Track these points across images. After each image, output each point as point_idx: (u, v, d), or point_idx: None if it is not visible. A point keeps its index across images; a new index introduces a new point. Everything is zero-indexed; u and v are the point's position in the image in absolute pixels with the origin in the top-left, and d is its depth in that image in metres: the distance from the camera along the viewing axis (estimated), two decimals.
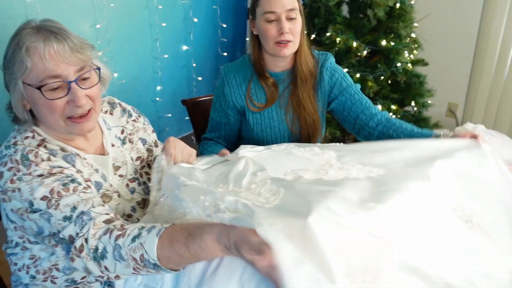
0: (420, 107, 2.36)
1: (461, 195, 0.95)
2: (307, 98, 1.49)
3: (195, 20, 2.37)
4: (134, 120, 1.18)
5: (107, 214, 0.88)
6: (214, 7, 2.44)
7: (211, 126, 1.59)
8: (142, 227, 0.81)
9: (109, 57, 1.96)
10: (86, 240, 0.82)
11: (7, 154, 0.92)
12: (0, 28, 1.55)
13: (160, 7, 2.11)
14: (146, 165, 1.17)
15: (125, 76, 2.07)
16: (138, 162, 1.15)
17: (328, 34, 2.21)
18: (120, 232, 0.81)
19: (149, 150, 1.19)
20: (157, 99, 2.32)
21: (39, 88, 0.89)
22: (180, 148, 1.07)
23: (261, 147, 1.19)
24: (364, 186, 0.87)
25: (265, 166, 1.00)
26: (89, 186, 0.95)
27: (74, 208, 0.86)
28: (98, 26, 1.88)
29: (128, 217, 1.07)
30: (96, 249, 0.81)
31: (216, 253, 0.73)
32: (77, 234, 0.83)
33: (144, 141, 1.19)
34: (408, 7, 2.24)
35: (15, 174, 0.89)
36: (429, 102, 2.37)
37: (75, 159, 0.99)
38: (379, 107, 2.10)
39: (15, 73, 0.90)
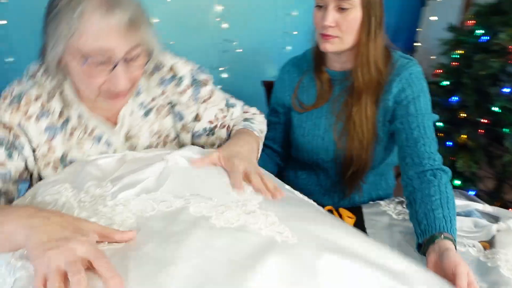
0: None
1: None
2: (362, 112, 1.18)
3: None
4: (180, 92, 1.03)
5: None
6: None
7: (268, 125, 1.39)
8: None
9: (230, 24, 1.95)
10: None
11: (14, 84, 0.91)
12: None
13: None
14: (162, 142, 1.06)
15: (244, 47, 2.03)
16: (155, 137, 1.05)
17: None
18: None
19: (176, 128, 1.07)
20: None
21: (82, 57, 0.80)
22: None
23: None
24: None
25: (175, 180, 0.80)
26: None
27: None
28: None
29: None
30: None
31: None
32: None
33: (179, 116, 1.06)
34: None
35: None
36: None
37: (67, 126, 0.94)
38: None
39: (59, 31, 0.79)
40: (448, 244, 0.89)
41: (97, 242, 0.62)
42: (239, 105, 1.16)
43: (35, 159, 0.93)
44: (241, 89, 2.04)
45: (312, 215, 0.83)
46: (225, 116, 1.11)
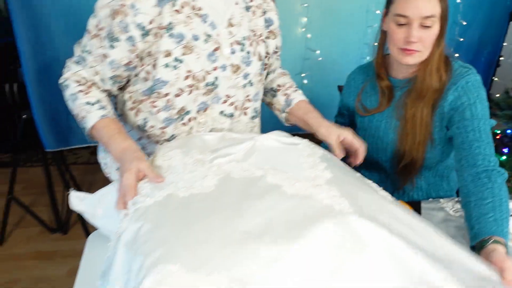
0: None
1: None
2: (417, 114, 1.27)
3: None
4: (269, 1, 1.25)
5: (93, 79, 1.11)
6: (458, 1, 2.16)
7: None
8: (98, 101, 1.08)
9: (313, 34, 2.13)
10: (69, 70, 1.11)
11: None
12: None
13: None
14: (257, 41, 1.21)
15: (325, 56, 2.19)
16: (251, 33, 1.19)
17: None
18: (84, 89, 1.09)
19: (265, 31, 1.25)
20: None
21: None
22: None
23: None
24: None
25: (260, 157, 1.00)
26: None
27: (88, 52, 1.08)
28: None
29: (206, 73, 1.12)
30: (65, 80, 1.11)
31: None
32: (70, 65, 1.12)
33: (269, 22, 1.25)
34: None
35: None
36: None
37: (176, 2, 1.05)
38: None
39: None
40: (497, 246, 0.93)
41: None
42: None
43: (147, 34, 1.04)
44: (319, 94, 2.22)
45: (373, 197, 0.95)
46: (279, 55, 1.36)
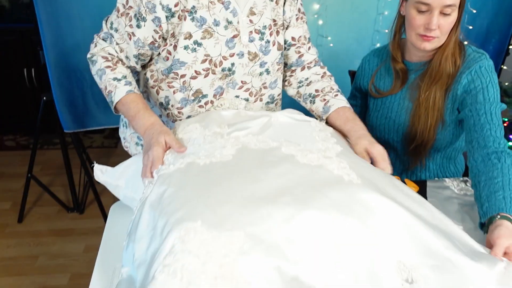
0: None
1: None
2: (430, 97, 1.32)
3: None
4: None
5: (119, 56, 1.17)
6: None
7: None
8: (125, 77, 1.15)
9: (325, 21, 2.17)
10: (97, 46, 1.18)
11: None
12: None
13: None
14: (277, 31, 1.23)
15: (336, 42, 2.24)
16: (272, 23, 1.21)
17: None
18: (111, 65, 1.16)
19: (285, 21, 1.26)
20: None
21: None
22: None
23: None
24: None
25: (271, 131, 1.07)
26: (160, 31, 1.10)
27: (115, 30, 1.15)
28: None
29: (223, 59, 1.16)
30: (93, 55, 1.18)
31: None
32: (98, 41, 1.18)
33: (285, 12, 1.25)
34: None
35: None
36: None
37: None
38: None
39: None
40: (504, 222, 0.98)
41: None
42: (314, 51, 1.39)
43: (172, 16, 1.09)
44: None
45: (379, 173, 1.02)
46: (304, 44, 1.34)
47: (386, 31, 2.23)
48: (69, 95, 2.17)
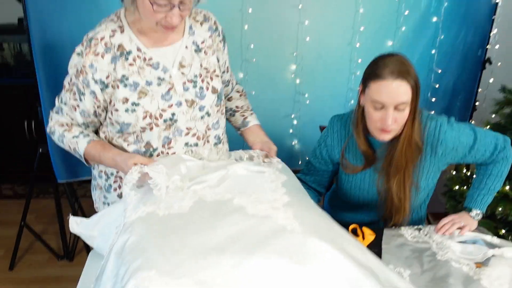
0: None
1: None
2: (400, 182, 1.44)
3: None
4: (220, 41, 1.40)
5: (71, 123, 1.33)
6: (433, 52, 2.39)
7: (307, 169, 1.64)
8: (81, 132, 1.32)
9: (302, 80, 2.35)
10: (52, 119, 1.35)
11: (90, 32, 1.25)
12: None
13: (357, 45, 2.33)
14: (210, 77, 1.36)
15: (313, 99, 2.42)
16: (204, 71, 1.34)
17: None
18: (68, 128, 1.33)
19: (217, 68, 1.38)
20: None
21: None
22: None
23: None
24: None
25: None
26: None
27: (64, 103, 1.32)
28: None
29: (162, 111, 1.28)
30: (51, 128, 1.35)
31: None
32: (52, 115, 1.36)
33: (218, 59, 1.40)
34: None
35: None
36: None
37: (129, 57, 1.23)
38: None
39: None
40: (464, 212, 1.50)
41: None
42: (234, 81, 1.62)
43: (106, 87, 1.24)
44: (307, 134, 2.43)
45: (323, 220, 1.14)
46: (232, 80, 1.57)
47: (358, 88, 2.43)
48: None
